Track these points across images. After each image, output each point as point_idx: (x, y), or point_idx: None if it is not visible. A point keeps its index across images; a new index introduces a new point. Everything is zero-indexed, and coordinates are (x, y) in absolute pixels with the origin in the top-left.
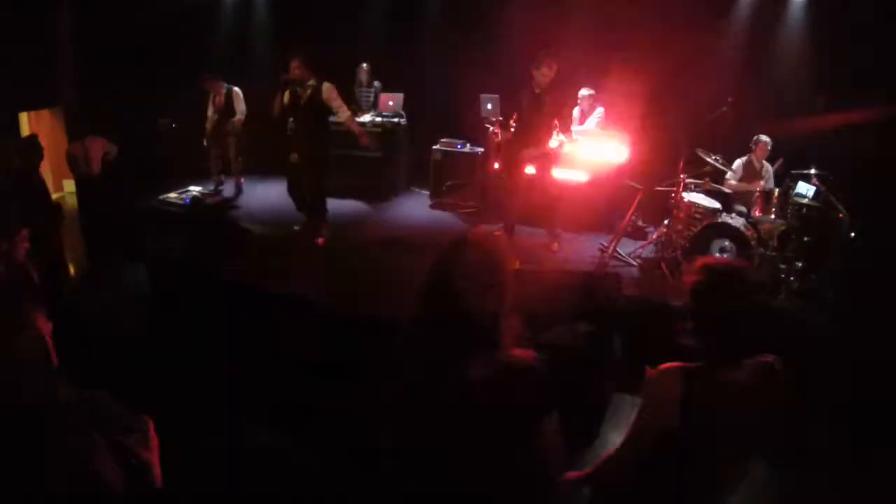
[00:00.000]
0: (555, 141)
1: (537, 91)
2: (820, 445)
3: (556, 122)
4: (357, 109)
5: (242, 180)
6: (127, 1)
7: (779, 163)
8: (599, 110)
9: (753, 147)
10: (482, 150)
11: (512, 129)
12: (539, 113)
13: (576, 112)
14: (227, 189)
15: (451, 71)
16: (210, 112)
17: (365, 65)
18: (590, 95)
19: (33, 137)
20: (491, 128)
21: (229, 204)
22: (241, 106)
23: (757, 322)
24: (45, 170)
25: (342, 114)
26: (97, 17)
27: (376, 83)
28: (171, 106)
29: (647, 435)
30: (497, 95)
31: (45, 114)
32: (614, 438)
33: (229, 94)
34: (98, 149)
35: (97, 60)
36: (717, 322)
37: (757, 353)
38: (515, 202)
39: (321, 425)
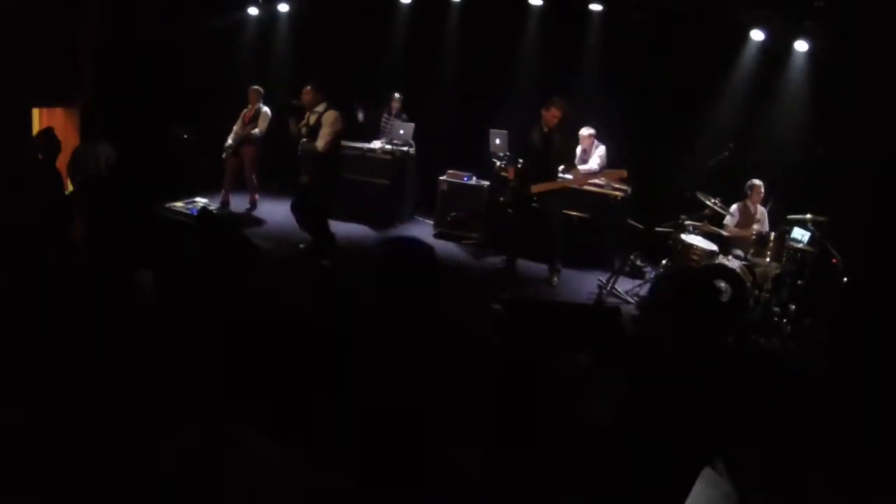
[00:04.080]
0: (561, 178)
1: (546, 130)
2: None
3: (563, 160)
4: (379, 135)
5: (257, 196)
6: (151, 9)
7: (770, 204)
8: (601, 148)
9: (749, 192)
10: (488, 183)
11: (520, 165)
12: (547, 151)
13: (577, 150)
14: (236, 204)
15: (462, 105)
16: (237, 126)
17: (397, 94)
18: (590, 135)
19: (50, 130)
20: (498, 162)
21: (238, 217)
22: (263, 124)
23: None
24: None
25: (319, 140)
26: (122, 21)
27: (404, 115)
28: (187, 117)
29: None
30: (506, 131)
31: (57, 112)
32: None
33: (258, 112)
34: (102, 153)
35: (118, 64)
36: None
37: None
38: (519, 236)
39: (314, 435)
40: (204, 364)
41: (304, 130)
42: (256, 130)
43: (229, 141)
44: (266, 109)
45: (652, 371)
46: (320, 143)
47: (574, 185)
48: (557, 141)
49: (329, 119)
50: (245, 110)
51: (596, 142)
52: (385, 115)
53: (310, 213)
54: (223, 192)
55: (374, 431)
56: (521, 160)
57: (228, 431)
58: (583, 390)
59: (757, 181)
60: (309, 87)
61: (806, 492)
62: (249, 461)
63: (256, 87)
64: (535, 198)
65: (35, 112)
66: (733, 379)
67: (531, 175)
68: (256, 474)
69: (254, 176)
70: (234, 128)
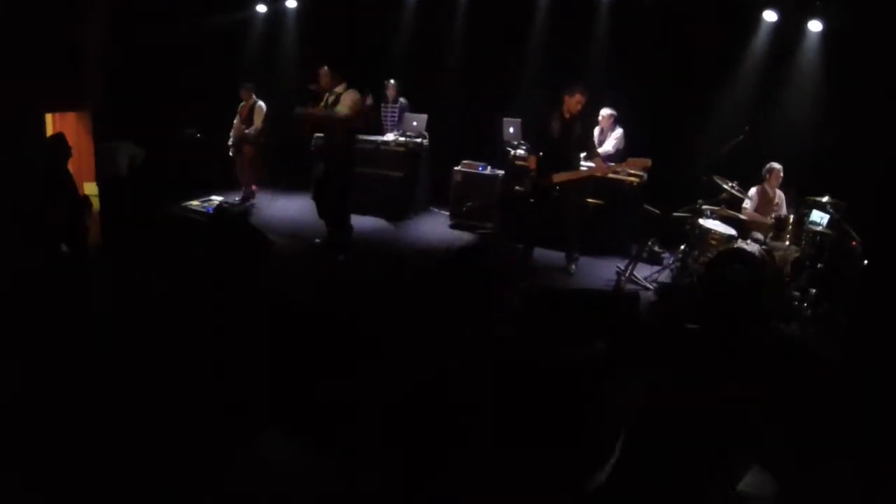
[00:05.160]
0: (583, 165)
1: (567, 116)
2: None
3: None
4: (382, 127)
5: (254, 188)
6: (158, 9)
7: (791, 192)
8: (619, 131)
9: (767, 175)
10: (503, 172)
11: (541, 154)
12: (568, 139)
13: (595, 131)
14: (260, 200)
15: (474, 94)
16: (236, 121)
17: (392, 81)
18: (610, 115)
19: (60, 136)
20: (513, 151)
21: (253, 213)
22: (258, 120)
23: None
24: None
25: (342, 107)
26: (128, 23)
27: (402, 100)
28: (198, 116)
29: None
30: (519, 120)
31: (70, 116)
32: None
33: (253, 107)
34: (125, 152)
35: (126, 66)
36: None
37: None
38: (536, 225)
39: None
40: (215, 360)
41: (314, 138)
42: (250, 130)
43: (231, 139)
44: (261, 103)
45: (674, 366)
46: (343, 110)
47: (598, 174)
48: (579, 128)
49: (351, 96)
50: (241, 105)
51: (615, 124)
52: (382, 104)
53: (329, 206)
54: (243, 188)
55: (388, 429)
56: (541, 150)
57: (241, 430)
58: (599, 386)
59: (776, 165)
60: (326, 69)
61: (827, 482)
62: (263, 460)
63: (248, 84)
64: (557, 187)
65: (48, 118)
66: (758, 369)
67: (552, 164)
68: (270, 473)
69: (254, 172)
70: (235, 123)
